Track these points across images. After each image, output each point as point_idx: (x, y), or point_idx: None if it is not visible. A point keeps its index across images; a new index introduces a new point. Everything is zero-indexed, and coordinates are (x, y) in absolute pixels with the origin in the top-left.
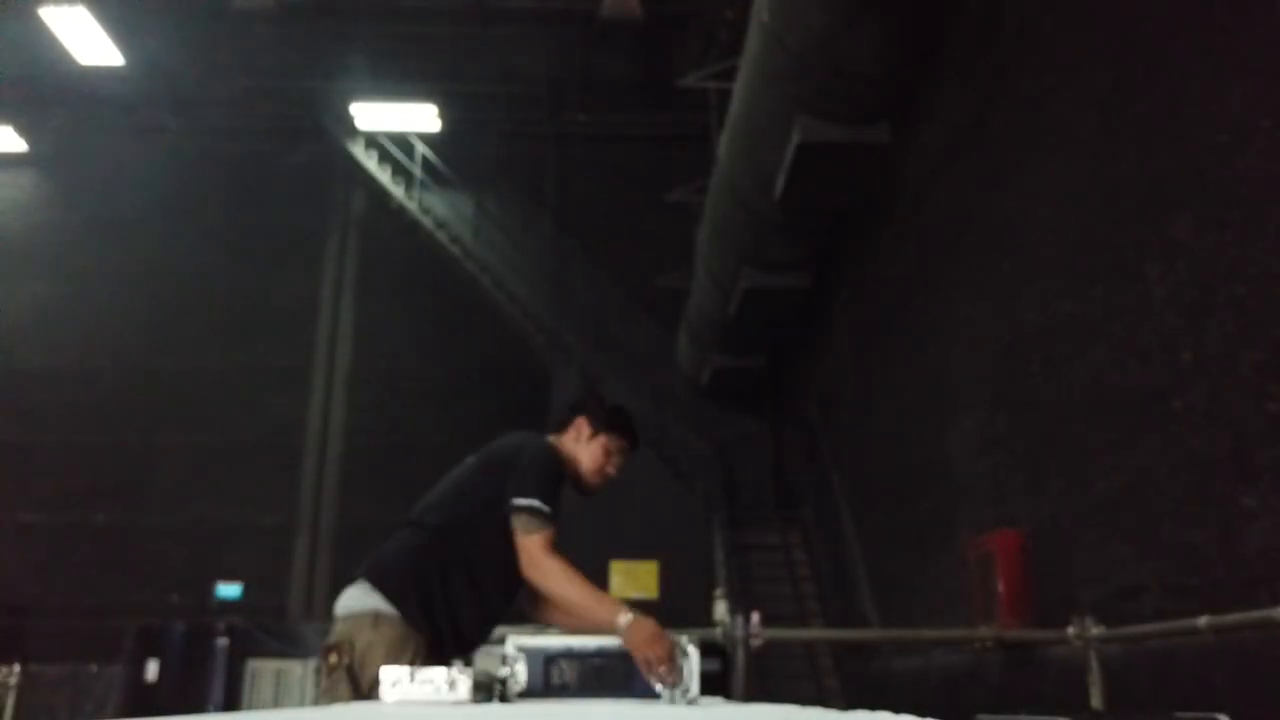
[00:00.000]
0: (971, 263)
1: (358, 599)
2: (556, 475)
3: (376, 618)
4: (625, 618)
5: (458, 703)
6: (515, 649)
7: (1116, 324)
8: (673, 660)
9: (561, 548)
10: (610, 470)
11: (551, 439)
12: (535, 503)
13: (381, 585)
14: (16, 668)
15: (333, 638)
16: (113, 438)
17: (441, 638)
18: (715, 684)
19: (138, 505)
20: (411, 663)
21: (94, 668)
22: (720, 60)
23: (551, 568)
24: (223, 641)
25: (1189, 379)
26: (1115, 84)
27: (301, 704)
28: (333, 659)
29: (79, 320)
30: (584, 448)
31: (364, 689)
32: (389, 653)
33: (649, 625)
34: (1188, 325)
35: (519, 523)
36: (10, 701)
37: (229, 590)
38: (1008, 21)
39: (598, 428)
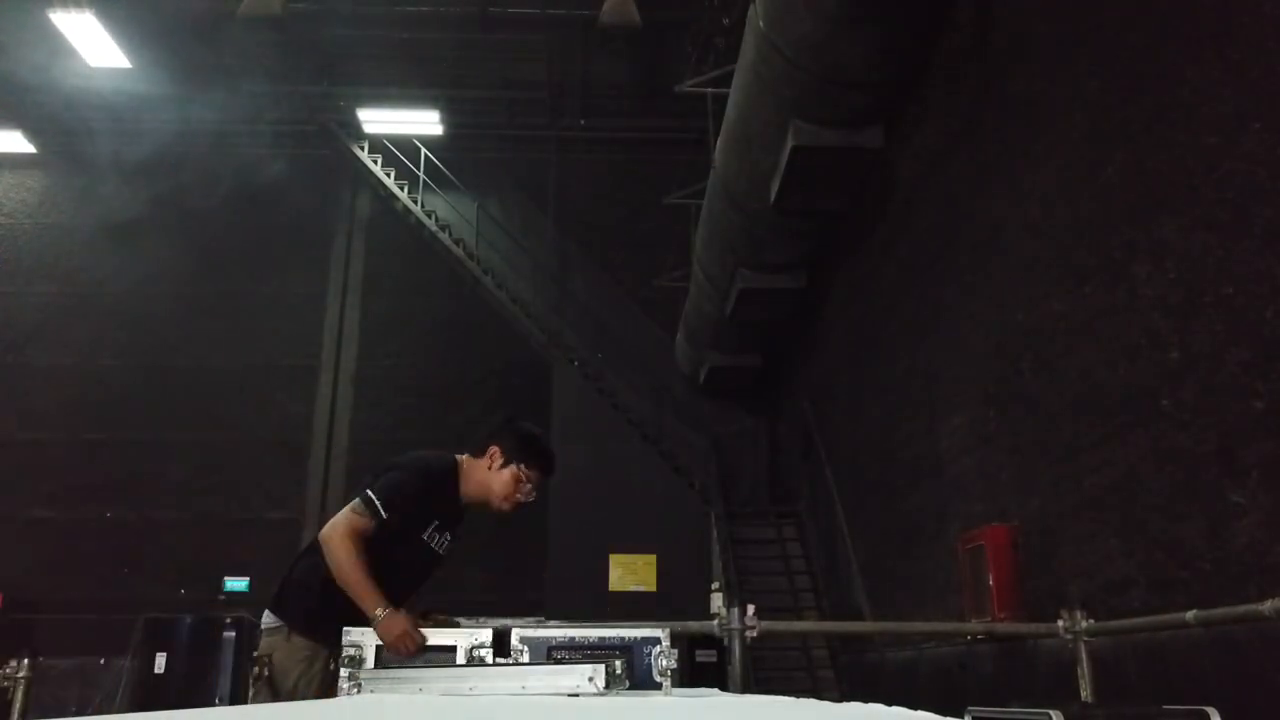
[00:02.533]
0: (962, 263)
1: (271, 618)
2: (413, 486)
3: (288, 633)
4: (380, 612)
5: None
6: (519, 640)
7: (1105, 322)
8: (421, 640)
9: (564, 541)
10: (521, 497)
11: (465, 460)
12: (369, 494)
13: (277, 609)
14: (26, 661)
15: (257, 651)
16: (121, 435)
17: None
18: (711, 675)
19: (146, 501)
20: (327, 668)
21: (102, 661)
22: (717, 66)
23: (341, 546)
24: (230, 634)
25: (1177, 377)
26: (1104, 87)
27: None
28: (255, 670)
29: (88, 320)
30: (494, 475)
31: (283, 696)
32: (301, 662)
33: (400, 622)
34: (1175, 324)
35: (347, 506)
36: (19, 694)
37: (237, 584)
38: (998, 27)
39: (509, 457)
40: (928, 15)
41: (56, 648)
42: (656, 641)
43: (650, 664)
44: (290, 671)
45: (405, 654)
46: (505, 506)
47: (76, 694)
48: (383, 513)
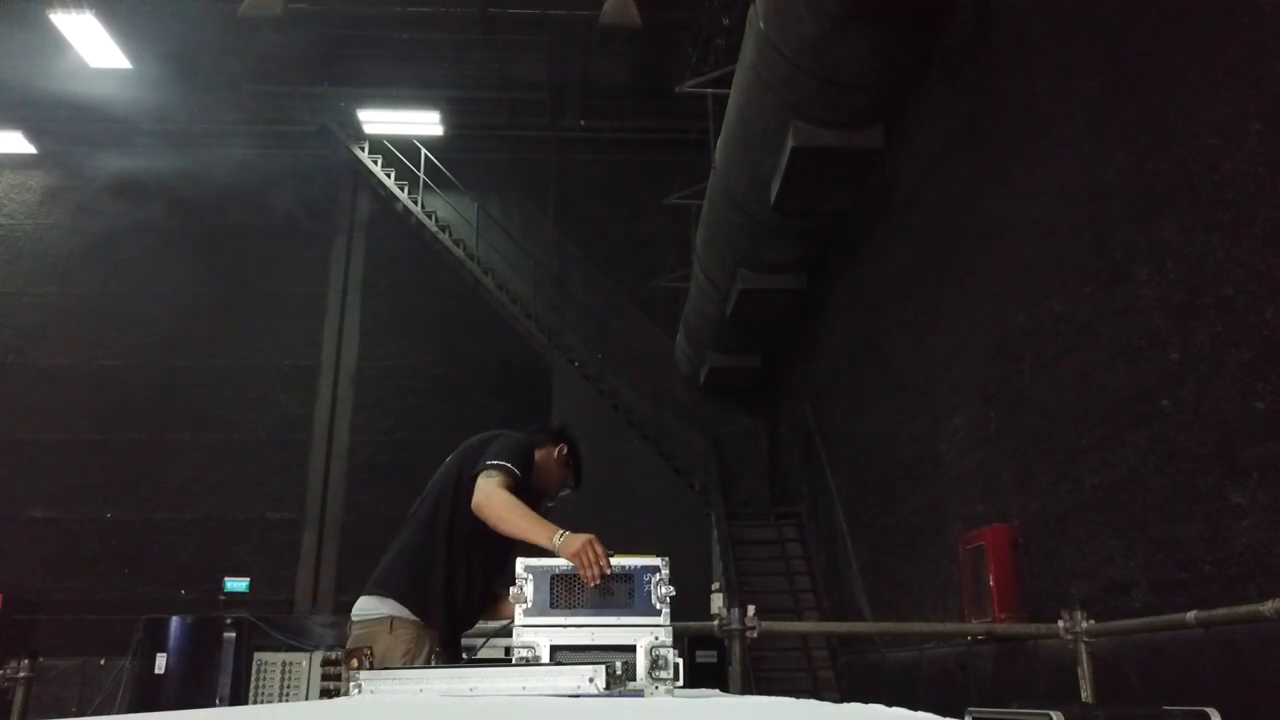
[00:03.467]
0: (963, 264)
1: (372, 606)
2: (526, 455)
3: (392, 622)
4: (559, 536)
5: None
6: (524, 569)
7: (1105, 323)
8: (607, 556)
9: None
10: (554, 495)
11: (528, 441)
12: (500, 461)
13: (391, 591)
14: (26, 661)
15: (352, 643)
16: (121, 435)
17: (450, 626)
18: (712, 676)
19: (147, 501)
20: (427, 659)
21: (103, 661)
22: (717, 66)
23: (499, 497)
24: (230, 635)
25: (1177, 378)
26: (1104, 88)
27: (307, 696)
28: (354, 663)
29: (88, 320)
30: (557, 467)
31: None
32: (406, 653)
33: (580, 538)
34: (1176, 324)
35: (482, 475)
36: (20, 694)
37: (237, 584)
38: (998, 28)
39: (568, 462)
40: (928, 15)
41: (57, 648)
42: (656, 570)
43: (650, 590)
44: (394, 662)
45: (593, 560)
46: (548, 496)
47: (76, 694)
48: (515, 469)
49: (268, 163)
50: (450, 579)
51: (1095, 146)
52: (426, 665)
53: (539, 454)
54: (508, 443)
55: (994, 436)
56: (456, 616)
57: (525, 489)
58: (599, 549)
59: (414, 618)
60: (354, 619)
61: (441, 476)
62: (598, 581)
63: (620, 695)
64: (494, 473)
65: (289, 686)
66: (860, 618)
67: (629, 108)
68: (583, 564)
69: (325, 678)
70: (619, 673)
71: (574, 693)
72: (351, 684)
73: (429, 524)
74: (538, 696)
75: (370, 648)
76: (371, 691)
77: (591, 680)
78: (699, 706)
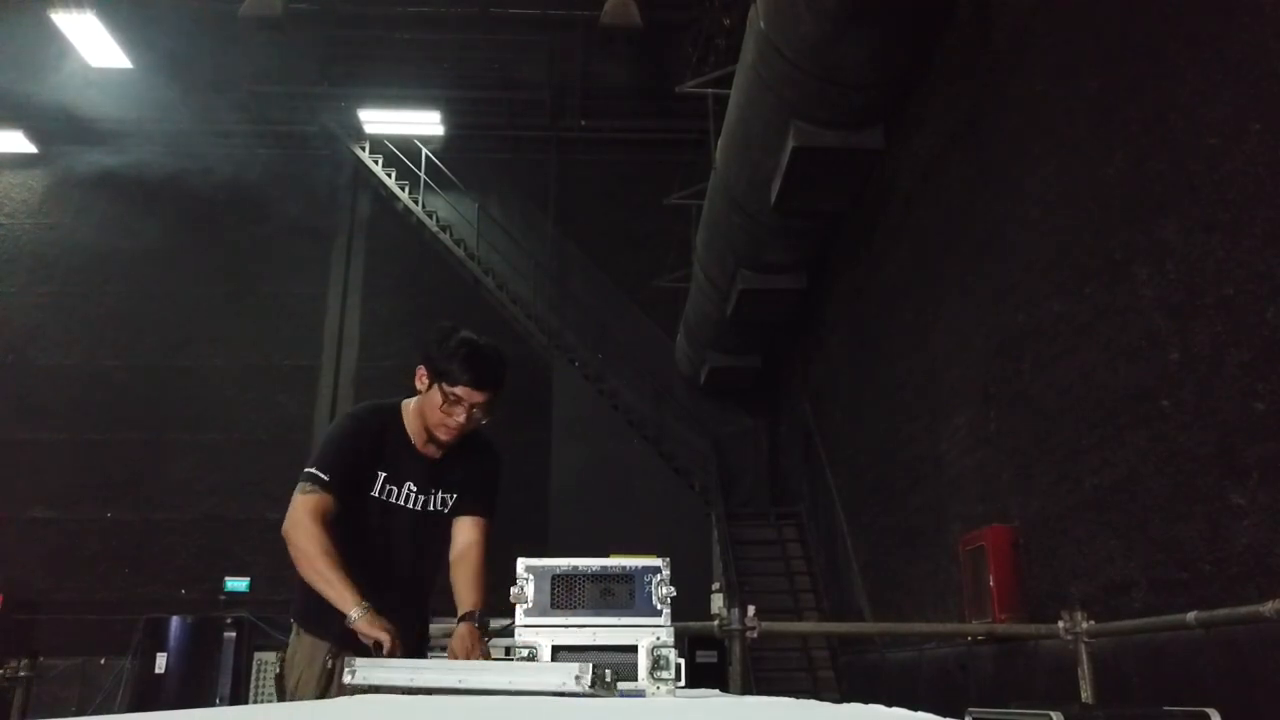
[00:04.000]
0: (963, 263)
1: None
2: (338, 442)
3: (298, 630)
4: (356, 614)
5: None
6: (525, 569)
7: (1105, 323)
8: (396, 645)
9: (564, 541)
10: (459, 419)
11: (352, 423)
12: (308, 469)
13: (292, 611)
14: (26, 661)
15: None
16: (122, 435)
17: (343, 634)
18: (712, 676)
19: (147, 501)
20: (325, 664)
21: (103, 661)
22: (717, 67)
23: (304, 536)
24: (230, 634)
25: (1177, 378)
26: (1105, 88)
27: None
28: (276, 669)
29: (89, 320)
30: (427, 400)
31: (288, 693)
32: (304, 659)
33: (380, 624)
34: (1176, 325)
35: (298, 486)
36: (20, 694)
37: (237, 584)
38: (998, 28)
39: (431, 375)
40: (928, 16)
41: (57, 647)
42: (657, 570)
43: (650, 591)
44: (294, 669)
45: (384, 648)
46: (441, 435)
47: (77, 693)
48: (324, 475)
49: (268, 162)
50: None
51: (1095, 146)
52: (325, 670)
53: (416, 404)
54: (323, 439)
55: (994, 436)
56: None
57: (362, 477)
58: (387, 644)
59: (310, 635)
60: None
61: None
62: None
63: (622, 695)
64: (303, 485)
65: None
66: (860, 618)
67: (629, 108)
68: (370, 641)
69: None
70: (608, 679)
71: (560, 689)
72: (346, 670)
73: None
74: (539, 696)
75: (283, 654)
76: (365, 679)
77: (578, 678)
78: (700, 706)
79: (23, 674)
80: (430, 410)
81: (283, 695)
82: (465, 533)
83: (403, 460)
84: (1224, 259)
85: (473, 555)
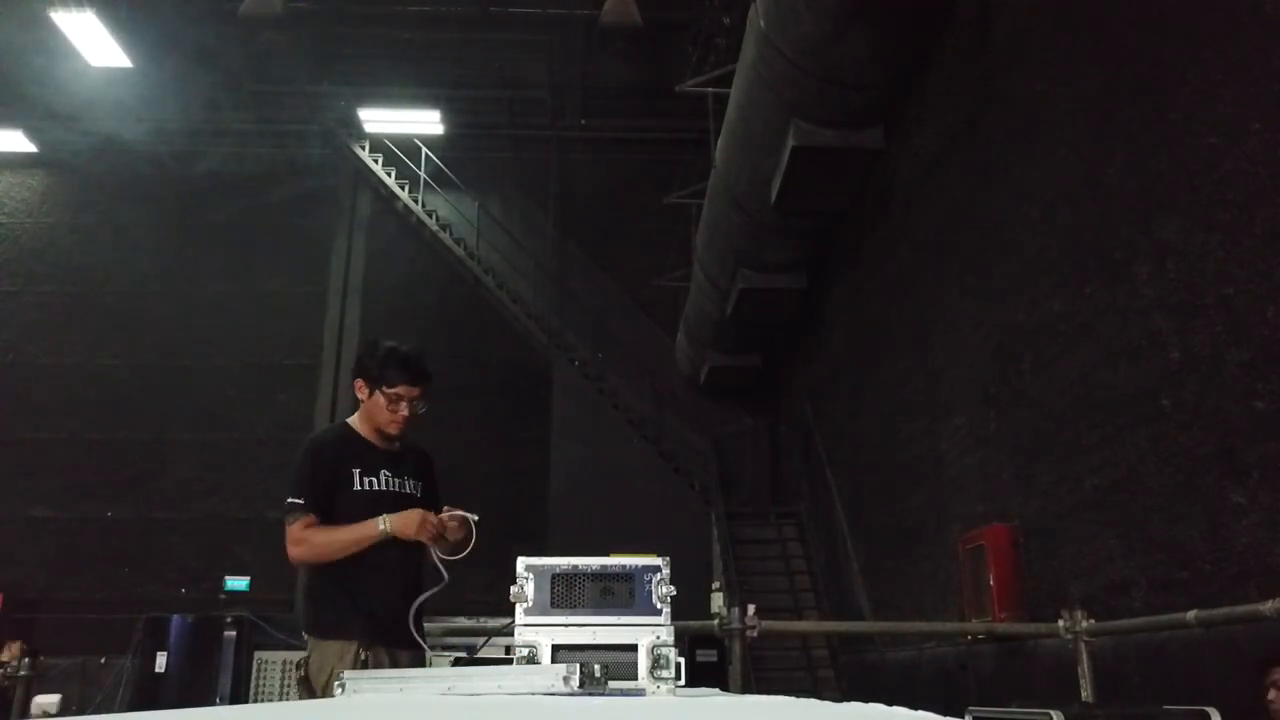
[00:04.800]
0: (963, 263)
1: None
2: (303, 467)
3: (316, 641)
4: (384, 522)
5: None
6: (525, 568)
7: (1106, 323)
8: (447, 525)
9: (565, 540)
10: (403, 413)
11: (312, 445)
12: (288, 500)
13: (307, 626)
14: (27, 659)
15: (302, 656)
16: (121, 435)
17: (372, 630)
18: (712, 675)
19: (147, 500)
20: (355, 664)
21: (103, 659)
22: (717, 66)
23: (309, 539)
24: (230, 633)
25: (1178, 377)
26: (1105, 88)
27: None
28: (297, 674)
29: (89, 320)
30: (371, 406)
31: (318, 694)
32: (334, 658)
33: (408, 514)
34: (1176, 324)
35: (286, 521)
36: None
37: (237, 583)
38: (998, 27)
39: (370, 383)
40: (928, 15)
41: (57, 647)
42: (657, 569)
43: (651, 590)
44: (322, 671)
45: (435, 532)
46: (393, 430)
47: (77, 693)
48: (300, 499)
49: (268, 161)
50: (345, 598)
51: (1095, 146)
52: (360, 666)
53: (362, 414)
54: (293, 465)
55: (994, 436)
56: (374, 620)
57: (341, 482)
58: (431, 517)
59: (335, 641)
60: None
61: None
62: (438, 540)
63: (622, 695)
64: (289, 517)
65: (289, 686)
66: (860, 617)
67: (629, 107)
68: (427, 536)
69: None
70: (598, 675)
71: (549, 691)
72: (336, 684)
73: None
74: (540, 697)
75: (307, 659)
76: (355, 691)
77: (566, 679)
78: (700, 706)
79: (23, 672)
80: (377, 413)
81: (314, 695)
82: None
83: (369, 456)
84: (1224, 259)
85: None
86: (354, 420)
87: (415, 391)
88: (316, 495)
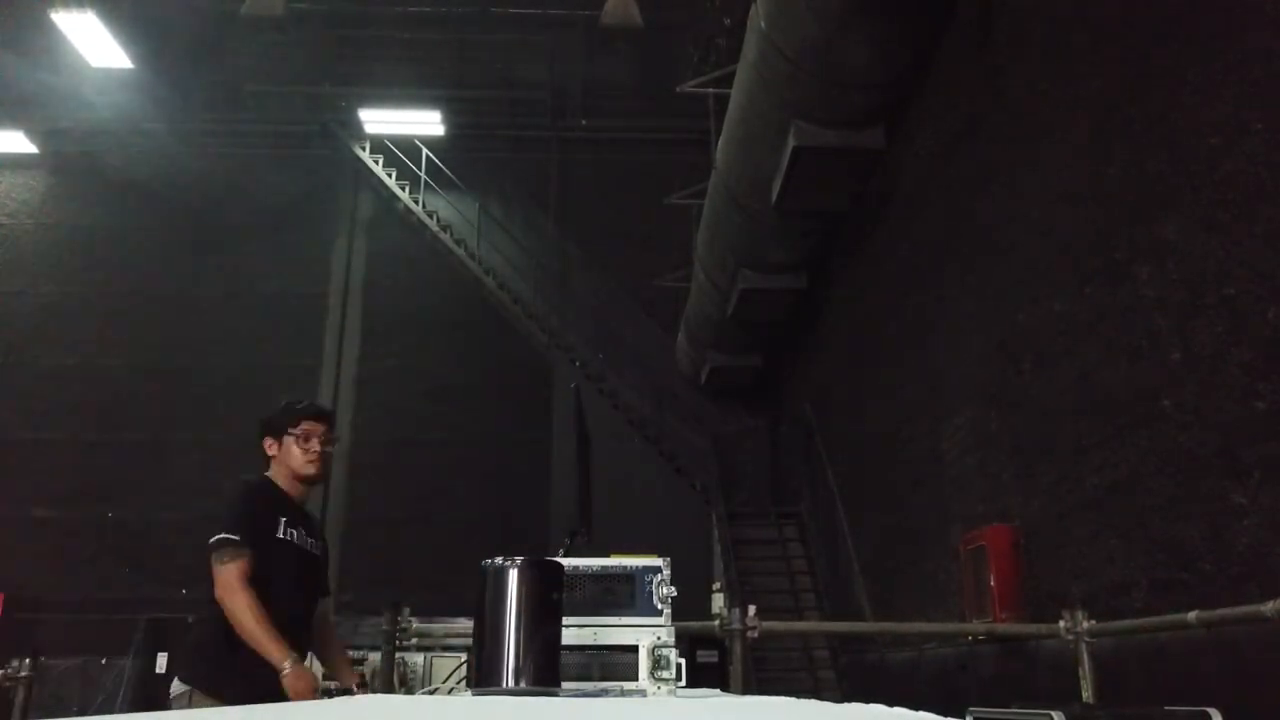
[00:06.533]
0: (964, 264)
1: (179, 685)
2: (236, 505)
3: (191, 696)
4: (288, 665)
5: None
6: None
7: (1106, 323)
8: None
9: (562, 538)
10: (315, 449)
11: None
12: (223, 535)
13: (184, 675)
14: (27, 661)
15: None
16: (122, 435)
17: (239, 696)
18: (712, 675)
19: (147, 501)
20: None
21: (104, 660)
22: (718, 66)
23: (242, 604)
24: None
25: (1178, 377)
26: (1106, 88)
27: None
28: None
29: (89, 320)
30: (284, 455)
31: None
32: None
33: (307, 678)
34: (1177, 324)
35: (214, 556)
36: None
37: None
38: (998, 28)
39: (278, 435)
40: (928, 16)
41: (58, 647)
42: (657, 570)
43: (651, 591)
44: None
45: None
46: (310, 471)
47: (78, 693)
48: (235, 535)
49: (269, 162)
50: (240, 658)
51: (1095, 146)
52: None
53: (278, 468)
54: (224, 507)
55: (995, 436)
56: (248, 685)
57: (266, 526)
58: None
59: (207, 697)
60: (170, 699)
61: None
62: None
63: (622, 695)
64: (224, 556)
65: None
66: (861, 618)
67: (630, 107)
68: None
69: (326, 677)
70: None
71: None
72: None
73: (198, 602)
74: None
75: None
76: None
77: None
78: (700, 706)
79: (24, 674)
80: (292, 459)
81: None
82: (324, 604)
83: (287, 508)
84: (1225, 259)
85: (332, 628)
86: (271, 474)
87: (319, 427)
88: (252, 536)
